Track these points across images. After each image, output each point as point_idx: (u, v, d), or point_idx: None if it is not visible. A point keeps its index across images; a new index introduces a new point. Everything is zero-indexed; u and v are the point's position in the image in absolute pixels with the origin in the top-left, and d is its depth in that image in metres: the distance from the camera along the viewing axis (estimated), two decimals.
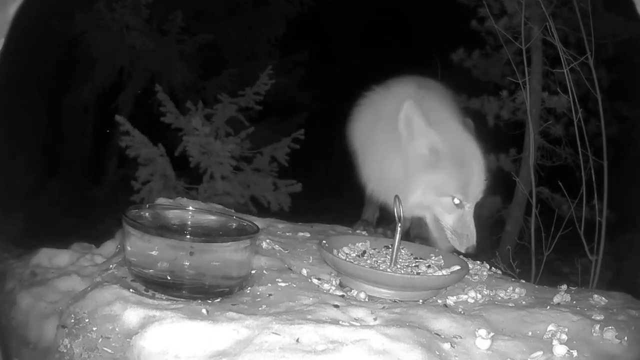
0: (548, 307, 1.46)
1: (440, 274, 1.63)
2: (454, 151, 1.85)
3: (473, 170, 1.86)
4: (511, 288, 1.64)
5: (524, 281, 1.91)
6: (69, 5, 5.89)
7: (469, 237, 1.81)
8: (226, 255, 1.40)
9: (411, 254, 1.82)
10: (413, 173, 1.87)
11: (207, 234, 1.58)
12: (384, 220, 2.33)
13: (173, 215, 1.64)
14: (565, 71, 2.95)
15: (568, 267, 4.09)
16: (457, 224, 1.84)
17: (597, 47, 2.99)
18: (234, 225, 1.61)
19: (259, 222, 2.01)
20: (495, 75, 4.56)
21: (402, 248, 1.81)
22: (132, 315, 1.21)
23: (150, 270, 1.37)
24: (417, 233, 2.17)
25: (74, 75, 6.97)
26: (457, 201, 1.83)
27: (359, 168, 2.14)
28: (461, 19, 4.39)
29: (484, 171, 1.89)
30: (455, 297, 1.55)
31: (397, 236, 1.63)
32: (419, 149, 1.85)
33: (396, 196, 1.66)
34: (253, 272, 1.56)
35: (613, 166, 2.98)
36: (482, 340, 1.22)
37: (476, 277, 1.77)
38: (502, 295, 1.61)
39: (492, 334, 1.26)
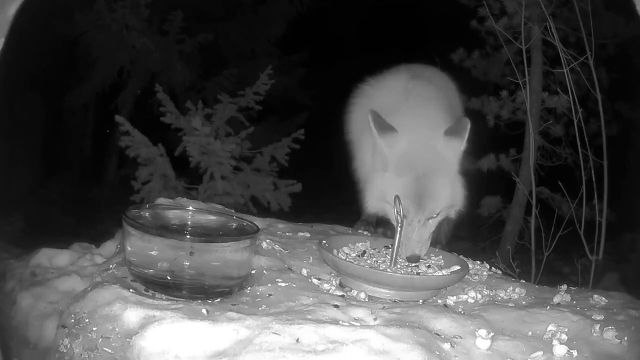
0: (548, 307, 1.46)
1: (440, 274, 1.63)
2: (408, 159, 1.76)
3: (427, 182, 1.74)
4: (511, 288, 1.64)
5: (524, 281, 1.91)
6: (69, 5, 5.89)
7: (407, 248, 1.71)
8: (226, 255, 1.40)
9: None
10: (372, 173, 1.87)
11: (207, 234, 1.58)
12: (384, 220, 2.33)
13: (173, 215, 1.64)
14: (565, 71, 2.95)
15: (568, 267, 4.09)
16: (402, 231, 1.69)
17: (597, 47, 3.00)
18: (234, 225, 1.61)
19: (259, 222, 2.00)
20: (495, 75, 4.56)
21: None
22: (132, 315, 1.21)
23: (150, 270, 1.37)
24: None
25: (74, 75, 6.97)
26: (398, 210, 1.66)
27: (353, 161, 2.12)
28: (461, 19, 4.38)
29: (449, 184, 1.78)
30: (455, 297, 1.55)
31: (397, 236, 1.63)
32: (379, 149, 1.82)
33: (396, 196, 1.65)
34: (253, 272, 1.56)
35: (613, 166, 2.98)
36: (482, 340, 1.22)
37: (476, 277, 1.77)
38: (502, 295, 1.61)
39: (492, 334, 1.26)
